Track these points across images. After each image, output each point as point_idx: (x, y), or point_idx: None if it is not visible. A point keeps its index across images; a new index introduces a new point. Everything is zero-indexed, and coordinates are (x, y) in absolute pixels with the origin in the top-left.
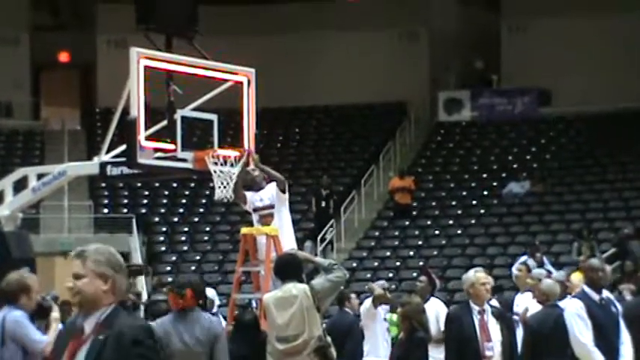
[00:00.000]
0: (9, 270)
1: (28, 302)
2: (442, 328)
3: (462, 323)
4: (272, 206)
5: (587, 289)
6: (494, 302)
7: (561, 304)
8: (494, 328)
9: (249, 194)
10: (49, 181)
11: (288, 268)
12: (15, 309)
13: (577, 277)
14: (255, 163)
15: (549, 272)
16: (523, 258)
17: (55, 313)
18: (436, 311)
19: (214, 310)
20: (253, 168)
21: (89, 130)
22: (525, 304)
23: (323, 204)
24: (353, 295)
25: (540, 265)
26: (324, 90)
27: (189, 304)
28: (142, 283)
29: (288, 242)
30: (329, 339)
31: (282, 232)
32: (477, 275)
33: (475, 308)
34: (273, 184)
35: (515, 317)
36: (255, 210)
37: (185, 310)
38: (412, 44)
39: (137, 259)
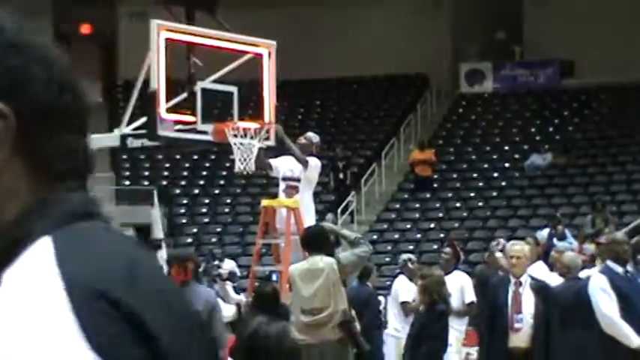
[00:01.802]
0: None
1: None
2: (466, 300)
3: (496, 292)
4: (299, 180)
5: (610, 263)
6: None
7: (582, 275)
8: (528, 301)
9: (282, 160)
10: None
11: (315, 241)
12: None
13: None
14: (279, 135)
15: (571, 244)
16: (545, 230)
17: None
18: (461, 283)
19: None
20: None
21: (111, 103)
22: (536, 274)
23: (340, 175)
24: (374, 268)
25: (562, 238)
26: (344, 62)
27: (189, 277)
28: (162, 256)
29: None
30: (353, 313)
31: (304, 214)
32: (508, 247)
33: (512, 279)
34: (313, 161)
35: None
36: (284, 179)
37: (184, 282)
38: (434, 15)
39: (158, 230)
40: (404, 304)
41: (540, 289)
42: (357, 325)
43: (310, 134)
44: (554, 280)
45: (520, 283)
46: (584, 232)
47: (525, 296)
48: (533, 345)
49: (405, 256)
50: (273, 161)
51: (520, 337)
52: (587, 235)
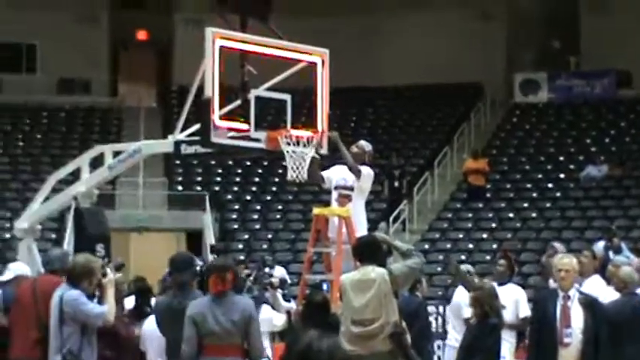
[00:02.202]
0: (85, 246)
1: (89, 286)
2: (520, 314)
3: (545, 306)
4: (352, 188)
5: None
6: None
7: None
8: (577, 315)
9: (335, 169)
10: (124, 158)
11: (368, 250)
12: (73, 289)
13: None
14: (333, 140)
15: (628, 258)
16: (600, 243)
17: (110, 276)
18: (515, 297)
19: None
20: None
21: (165, 108)
22: (590, 290)
23: (396, 184)
24: (423, 279)
25: (618, 251)
26: (398, 70)
27: (227, 287)
28: None
29: (361, 232)
30: (404, 324)
31: (356, 224)
32: (556, 260)
33: (560, 293)
34: (365, 170)
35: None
36: (336, 188)
37: (222, 292)
38: (488, 24)
39: (210, 236)
40: (467, 321)
41: (589, 303)
42: (408, 337)
43: (363, 142)
44: (611, 294)
45: (568, 297)
46: None
47: (574, 310)
48: None
49: (464, 267)
50: (325, 173)
51: (569, 351)
52: None
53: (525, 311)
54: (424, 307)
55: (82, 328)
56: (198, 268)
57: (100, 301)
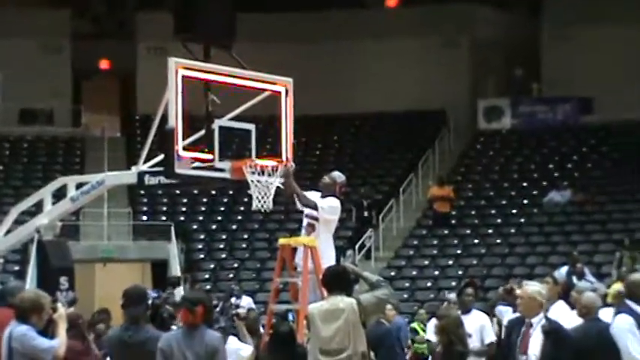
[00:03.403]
0: (49, 279)
1: (38, 321)
2: (486, 340)
3: (510, 334)
4: (317, 219)
5: (632, 304)
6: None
7: (602, 316)
8: (536, 342)
9: (313, 195)
10: (88, 190)
11: (336, 280)
12: (23, 325)
13: (615, 289)
14: (284, 174)
15: (591, 283)
16: (564, 268)
17: (61, 310)
18: (480, 323)
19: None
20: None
21: (129, 137)
22: (555, 316)
23: (365, 213)
24: (389, 306)
25: (581, 276)
26: (363, 97)
27: (198, 320)
28: (180, 293)
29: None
30: (372, 355)
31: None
32: (520, 289)
33: (525, 320)
34: (329, 202)
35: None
36: (306, 215)
37: (193, 325)
38: (452, 51)
39: (176, 266)
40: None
41: (549, 330)
42: None
43: (335, 174)
44: (576, 320)
45: (531, 324)
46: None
47: (534, 338)
48: None
49: (451, 295)
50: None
51: None
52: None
53: (490, 337)
54: (389, 334)
55: None
56: (150, 301)
57: (52, 337)
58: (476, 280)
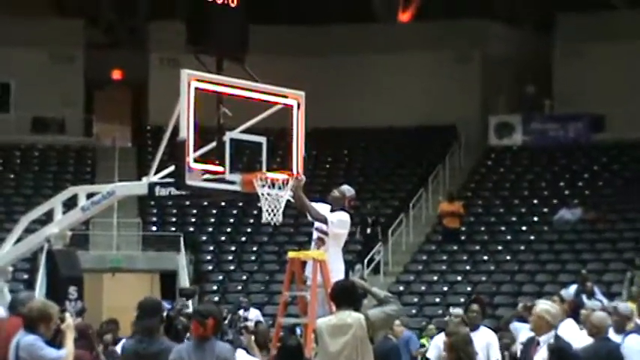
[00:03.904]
0: (58, 288)
1: (46, 331)
2: (492, 358)
3: (524, 351)
4: (327, 233)
5: None
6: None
7: (616, 337)
8: (540, 358)
9: (319, 207)
10: (98, 200)
11: (344, 295)
12: (30, 334)
13: (627, 308)
14: (293, 188)
15: (601, 302)
16: (572, 287)
17: (69, 321)
18: (487, 341)
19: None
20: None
21: (140, 147)
22: (564, 335)
23: (368, 230)
24: (397, 322)
25: (591, 295)
26: (373, 112)
27: (208, 333)
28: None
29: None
30: None
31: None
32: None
33: (535, 338)
34: (338, 216)
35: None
36: (316, 228)
37: (204, 338)
38: (464, 67)
39: (184, 277)
40: None
41: (556, 349)
42: None
43: (345, 187)
44: (585, 339)
45: (538, 342)
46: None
47: (538, 355)
48: None
49: (456, 310)
50: (315, 205)
51: None
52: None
53: (496, 355)
54: (396, 350)
55: None
56: (165, 313)
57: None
58: (484, 297)
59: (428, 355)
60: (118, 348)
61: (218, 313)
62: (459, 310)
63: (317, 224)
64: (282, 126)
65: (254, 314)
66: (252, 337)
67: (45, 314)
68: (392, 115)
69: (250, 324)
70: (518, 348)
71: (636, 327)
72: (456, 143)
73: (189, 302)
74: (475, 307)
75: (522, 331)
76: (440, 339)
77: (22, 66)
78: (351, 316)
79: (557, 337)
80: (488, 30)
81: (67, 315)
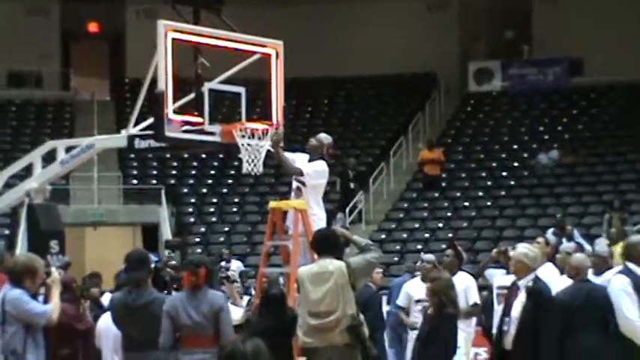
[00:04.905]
0: (39, 242)
1: (32, 285)
2: (470, 301)
3: (507, 297)
4: (304, 184)
5: (630, 264)
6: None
7: (602, 279)
8: (519, 304)
9: (298, 158)
10: (77, 154)
11: (325, 243)
12: (16, 289)
13: (617, 251)
14: (273, 139)
15: (579, 245)
16: (551, 230)
17: (55, 275)
18: (465, 284)
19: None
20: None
21: (118, 100)
22: (545, 277)
23: (351, 185)
24: (378, 270)
25: (570, 238)
26: (353, 61)
27: (201, 282)
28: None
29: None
30: (362, 317)
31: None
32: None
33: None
34: (315, 167)
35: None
36: (295, 179)
37: (196, 287)
38: (442, 14)
39: (166, 230)
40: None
41: (533, 291)
42: (366, 330)
43: (322, 135)
44: (563, 282)
45: (518, 287)
46: (611, 233)
47: (518, 299)
48: (516, 348)
49: (428, 256)
50: (290, 155)
51: (507, 340)
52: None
53: (474, 298)
54: (377, 298)
55: (26, 328)
56: (152, 264)
57: (46, 301)
58: (465, 243)
59: (397, 301)
60: (104, 300)
61: (209, 262)
62: (430, 256)
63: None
64: (261, 76)
65: (235, 265)
66: (235, 287)
67: (30, 268)
68: (371, 64)
69: (232, 273)
70: (494, 294)
71: (625, 268)
72: (435, 90)
73: (174, 255)
74: (449, 252)
75: (497, 277)
76: (410, 285)
77: None
78: (332, 264)
79: (535, 280)
80: None
81: (53, 270)
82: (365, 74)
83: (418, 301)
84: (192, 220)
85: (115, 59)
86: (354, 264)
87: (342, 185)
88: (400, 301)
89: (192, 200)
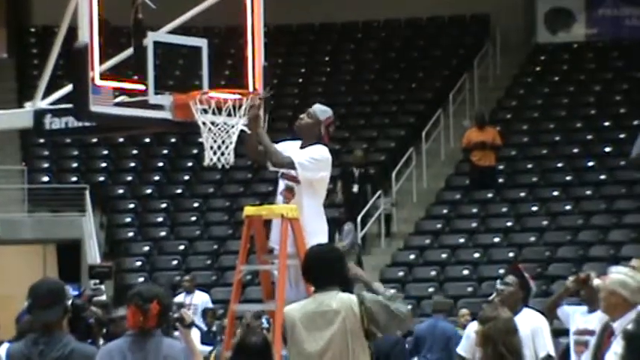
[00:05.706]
0: None
1: None
2: (540, 352)
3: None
4: (297, 180)
5: None
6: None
7: None
8: (611, 358)
9: (286, 146)
10: None
11: (324, 268)
12: None
13: None
14: (251, 116)
15: None
16: None
17: None
18: (533, 327)
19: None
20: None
21: (20, 59)
22: None
23: (355, 188)
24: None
25: None
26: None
27: (151, 323)
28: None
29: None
30: None
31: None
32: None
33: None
34: (311, 153)
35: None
36: (282, 176)
37: (145, 331)
38: None
39: (93, 250)
40: None
41: (634, 338)
42: None
43: (317, 108)
44: None
45: (612, 330)
46: None
47: (613, 348)
48: None
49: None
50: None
51: None
52: None
53: (546, 347)
54: (401, 346)
55: None
56: (70, 301)
57: None
58: (533, 266)
59: (458, 349)
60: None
61: (164, 296)
62: (512, 278)
63: (284, 169)
64: (230, 23)
65: (200, 299)
66: (191, 333)
67: None
68: (393, 4)
69: (187, 313)
70: (571, 341)
71: None
72: (488, 41)
73: (103, 286)
74: (510, 279)
75: (575, 316)
76: (473, 328)
77: None
78: (337, 300)
79: (637, 321)
80: None
81: None
82: (383, 18)
83: None
84: (130, 234)
85: (15, 2)
86: (369, 301)
87: (343, 190)
88: (462, 348)
89: (131, 205)
